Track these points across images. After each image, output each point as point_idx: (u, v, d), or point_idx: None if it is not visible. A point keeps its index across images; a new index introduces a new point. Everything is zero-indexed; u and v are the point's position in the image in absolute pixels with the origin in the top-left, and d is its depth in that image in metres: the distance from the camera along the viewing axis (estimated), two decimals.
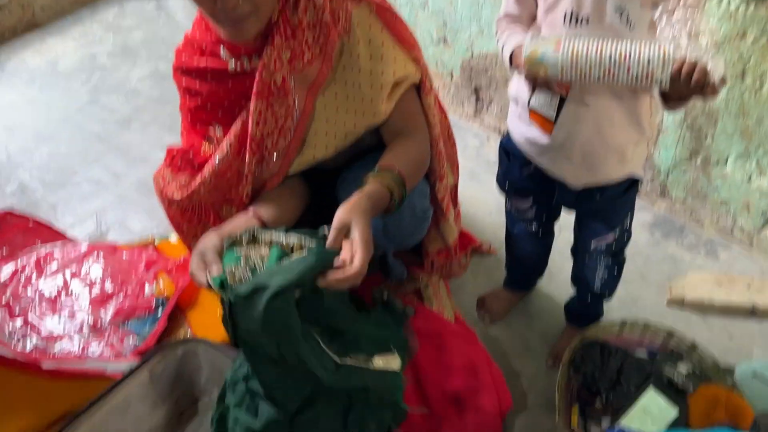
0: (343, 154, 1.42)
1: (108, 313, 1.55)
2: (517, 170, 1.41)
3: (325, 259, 1.09)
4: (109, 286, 1.61)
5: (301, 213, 1.46)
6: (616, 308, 1.77)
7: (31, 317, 1.52)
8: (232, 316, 1.06)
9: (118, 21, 3.24)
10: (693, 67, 1.00)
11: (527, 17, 1.25)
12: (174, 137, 1.42)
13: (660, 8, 1.11)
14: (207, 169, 1.36)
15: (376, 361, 1.20)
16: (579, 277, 1.60)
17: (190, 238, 1.47)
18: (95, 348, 1.48)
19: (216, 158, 1.35)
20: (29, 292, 1.58)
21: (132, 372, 1.33)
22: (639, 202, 1.46)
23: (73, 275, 1.63)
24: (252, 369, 1.15)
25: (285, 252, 1.15)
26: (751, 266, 1.90)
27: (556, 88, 1.19)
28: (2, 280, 1.62)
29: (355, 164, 1.50)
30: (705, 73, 0.99)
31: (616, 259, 1.53)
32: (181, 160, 1.42)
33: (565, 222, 1.60)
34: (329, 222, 1.14)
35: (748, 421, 1.39)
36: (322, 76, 1.31)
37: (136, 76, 2.85)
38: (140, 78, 2.83)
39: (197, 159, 1.41)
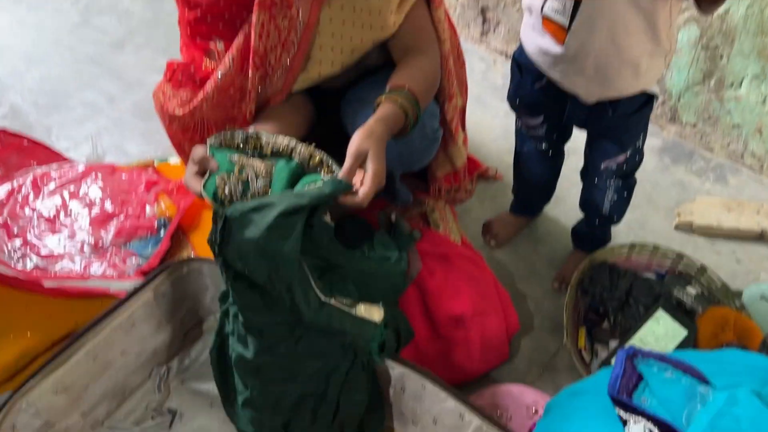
0: (349, 71, 1.38)
1: (109, 234, 1.52)
2: (529, 84, 1.37)
3: (340, 191, 1.06)
4: (109, 206, 1.57)
5: (305, 132, 1.43)
6: (623, 233, 1.76)
7: (30, 237, 1.49)
8: (224, 232, 1.02)
9: None
10: None
11: None
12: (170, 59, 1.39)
13: None
14: (209, 85, 1.33)
15: (359, 308, 1.19)
16: (588, 200, 1.57)
17: None
18: (97, 268, 1.46)
19: (218, 73, 1.32)
20: (27, 212, 1.54)
21: (136, 291, 1.31)
22: (649, 127, 1.42)
23: (71, 195, 1.58)
24: (235, 296, 1.12)
25: (295, 163, 1.11)
26: (760, 191, 1.88)
27: None
28: None
29: (361, 83, 1.45)
30: None
31: (627, 182, 1.49)
32: (182, 75, 1.38)
33: (573, 146, 1.56)
34: (333, 143, 1.11)
35: (756, 342, 1.39)
36: None
37: None
38: None
39: (198, 74, 1.37)
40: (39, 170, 1.65)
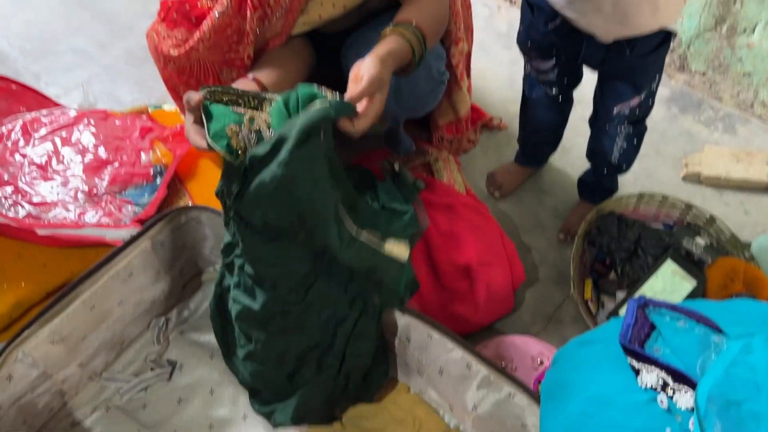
0: (351, 14, 1.33)
1: (104, 181, 1.47)
2: (541, 25, 1.31)
3: (346, 114, 1.01)
4: (103, 153, 1.52)
5: (304, 78, 1.37)
6: (630, 183, 1.72)
7: (21, 184, 1.43)
8: (243, 183, 0.99)
9: None
10: None
11: None
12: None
13: None
14: (206, 24, 1.27)
15: (387, 246, 1.17)
16: (596, 149, 1.53)
17: None
18: (92, 216, 1.41)
19: (215, 12, 1.26)
20: (17, 158, 1.48)
21: (134, 239, 1.27)
22: None
23: (63, 141, 1.53)
24: (246, 249, 1.09)
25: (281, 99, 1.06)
26: None
27: None
28: None
29: (364, 26, 1.39)
30: None
31: (637, 128, 1.45)
32: (176, 14, 1.32)
33: (580, 95, 1.51)
34: (333, 89, 1.06)
35: (765, 292, 1.37)
36: None
37: None
38: None
39: (194, 12, 1.31)
40: (29, 116, 1.59)
